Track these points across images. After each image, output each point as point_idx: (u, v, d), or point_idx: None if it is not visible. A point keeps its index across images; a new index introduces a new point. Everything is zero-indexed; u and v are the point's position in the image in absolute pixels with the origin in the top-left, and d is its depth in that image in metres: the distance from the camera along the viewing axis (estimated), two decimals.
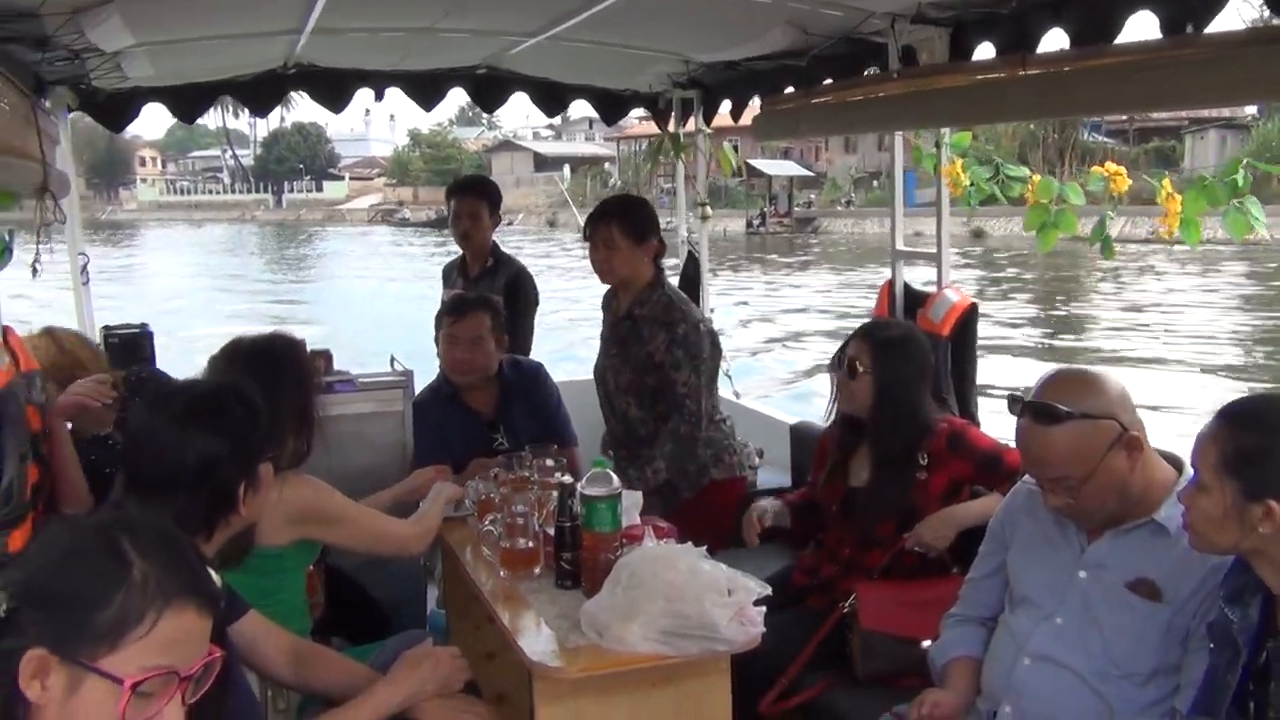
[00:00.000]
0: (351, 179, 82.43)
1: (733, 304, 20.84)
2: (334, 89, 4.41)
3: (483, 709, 2.25)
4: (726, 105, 4.56)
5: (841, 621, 2.79)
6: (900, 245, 3.66)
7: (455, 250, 4.73)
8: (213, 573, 1.34)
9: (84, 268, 4.10)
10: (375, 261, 37.43)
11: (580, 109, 5.12)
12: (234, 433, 1.98)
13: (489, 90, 4.58)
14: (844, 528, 2.98)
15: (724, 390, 4.87)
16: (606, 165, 43.85)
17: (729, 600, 2.18)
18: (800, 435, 3.96)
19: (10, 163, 2.52)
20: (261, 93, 4.31)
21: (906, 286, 3.64)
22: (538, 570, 2.61)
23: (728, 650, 2.19)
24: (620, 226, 3.48)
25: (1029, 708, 2.11)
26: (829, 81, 3.52)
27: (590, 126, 58.10)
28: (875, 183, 44.47)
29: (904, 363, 2.89)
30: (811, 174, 47.80)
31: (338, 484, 2.65)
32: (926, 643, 2.60)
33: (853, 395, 2.93)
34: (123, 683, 1.17)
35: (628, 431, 3.61)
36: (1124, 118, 38.91)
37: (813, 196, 48.08)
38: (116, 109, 4.17)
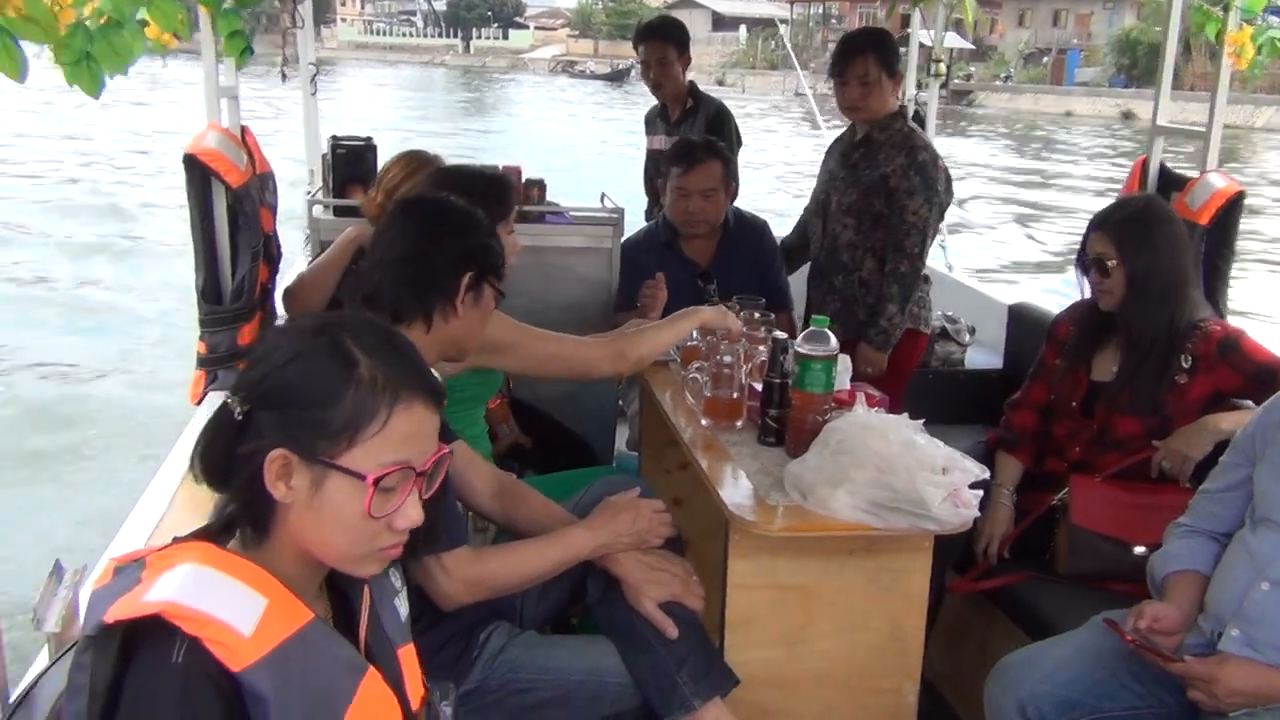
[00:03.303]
0: (536, 29, 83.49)
1: None
2: None
3: (679, 568, 2.13)
4: None
5: (1050, 514, 2.66)
6: (1163, 120, 3.30)
7: (636, 101, 4.60)
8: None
9: (313, 78, 4.18)
10: (560, 108, 38.02)
11: None
12: (454, 231, 2.03)
13: None
14: (1079, 425, 2.73)
15: (937, 262, 4.67)
16: (780, 26, 42.55)
17: (943, 479, 2.06)
18: (1019, 316, 3.73)
19: None
20: None
21: (1163, 167, 3.31)
22: (739, 424, 2.55)
23: (937, 530, 2.08)
24: (877, 58, 3.32)
25: (1261, 635, 1.94)
26: None
27: None
28: (1045, 59, 44.61)
29: (1147, 243, 2.56)
30: (973, 47, 46.65)
31: (542, 314, 2.66)
32: (1140, 549, 2.45)
33: (1112, 293, 2.62)
34: (366, 478, 1.17)
35: (830, 257, 3.49)
36: None
37: (973, 70, 47.63)
38: None
